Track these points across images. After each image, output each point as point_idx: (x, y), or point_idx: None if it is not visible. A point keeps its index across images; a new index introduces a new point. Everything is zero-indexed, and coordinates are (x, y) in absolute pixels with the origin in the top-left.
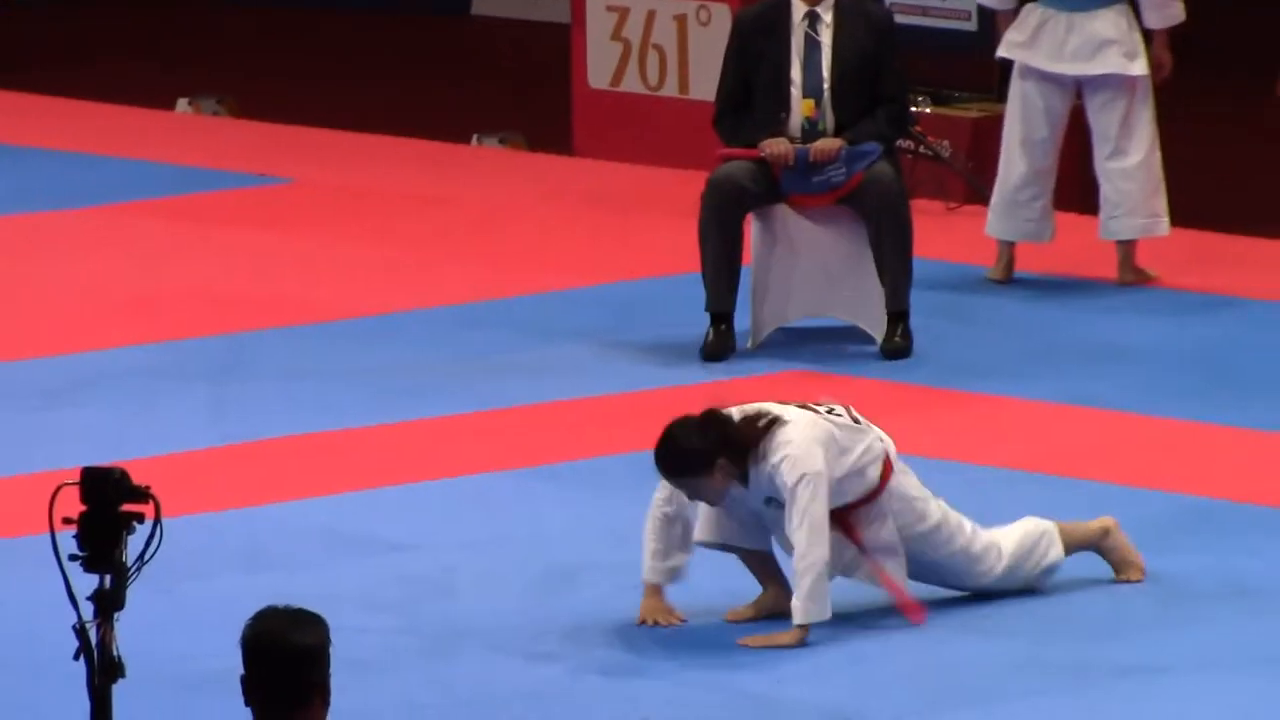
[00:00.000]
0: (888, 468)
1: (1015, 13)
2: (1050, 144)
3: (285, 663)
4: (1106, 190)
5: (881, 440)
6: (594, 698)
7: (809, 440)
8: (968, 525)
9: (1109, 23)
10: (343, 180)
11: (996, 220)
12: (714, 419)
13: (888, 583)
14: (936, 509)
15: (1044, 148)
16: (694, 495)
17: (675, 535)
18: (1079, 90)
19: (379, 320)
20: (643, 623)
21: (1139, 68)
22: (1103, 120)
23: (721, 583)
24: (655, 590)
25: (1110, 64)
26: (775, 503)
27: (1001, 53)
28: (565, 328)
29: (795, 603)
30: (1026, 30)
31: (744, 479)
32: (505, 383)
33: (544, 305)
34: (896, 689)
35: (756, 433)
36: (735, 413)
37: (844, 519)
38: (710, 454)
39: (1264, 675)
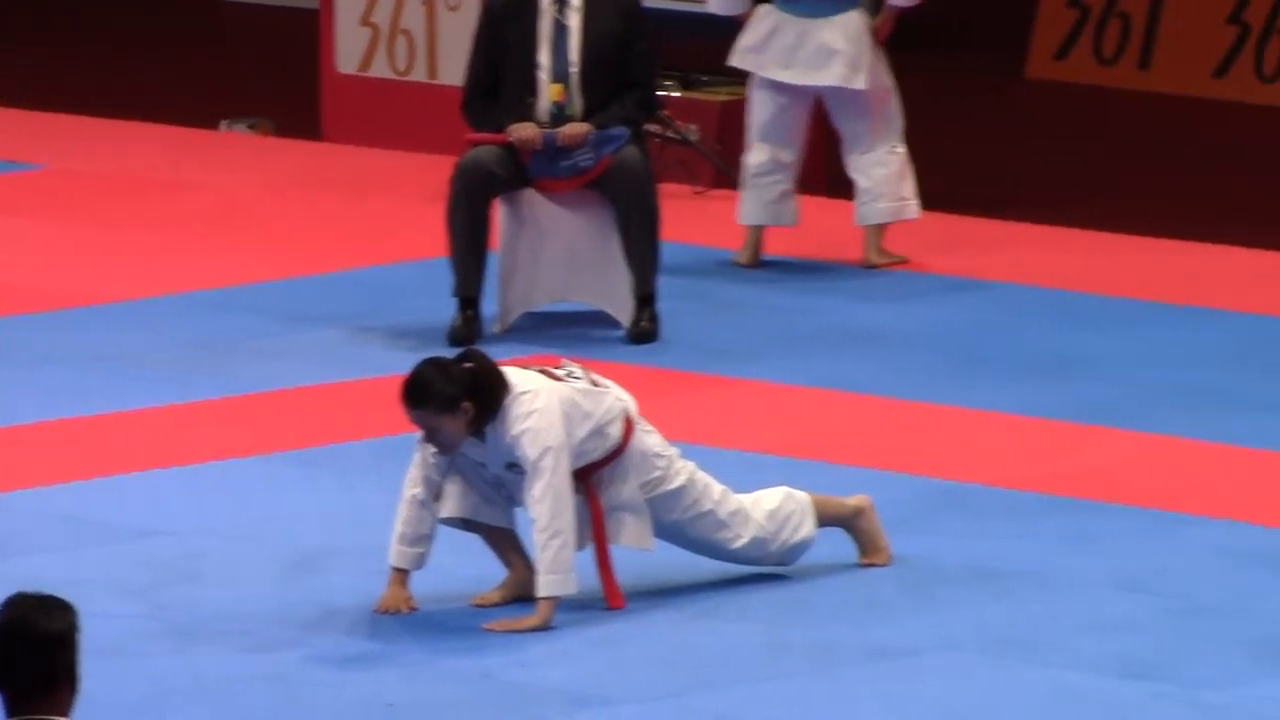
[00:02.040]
0: (629, 426)
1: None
2: (788, 140)
3: (34, 649)
4: (859, 180)
5: (621, 400)
6: (339, 683)
7: (551, 412)
8: (717, 489)
9: (838, 32)
10: (91, 166)
11: (741, 207)
12: (471, 361)
13: (601, 561)
14: (683, 469)
15: (783, 141)
16: (431, 435)
17: (425, 520)
18: (818, 92)
19: (127, 306)
20: (385, 610)
21: (861, 81)
22: (849, 125)
23: (467, 567)
24: (401, 576)
25: (834, 76)
26: (517, 468)
27: (733, 62)
28: (314, 313)
29: (539, 576)
30: (759, 35)
31: (481, 435)
32: (253, 368)
33: (293, 290)
34: (645, 672)
35: (501, 394)
36: (489, 366)
37: (586, 479)
38: (458, 394)
39: (1007, 657)
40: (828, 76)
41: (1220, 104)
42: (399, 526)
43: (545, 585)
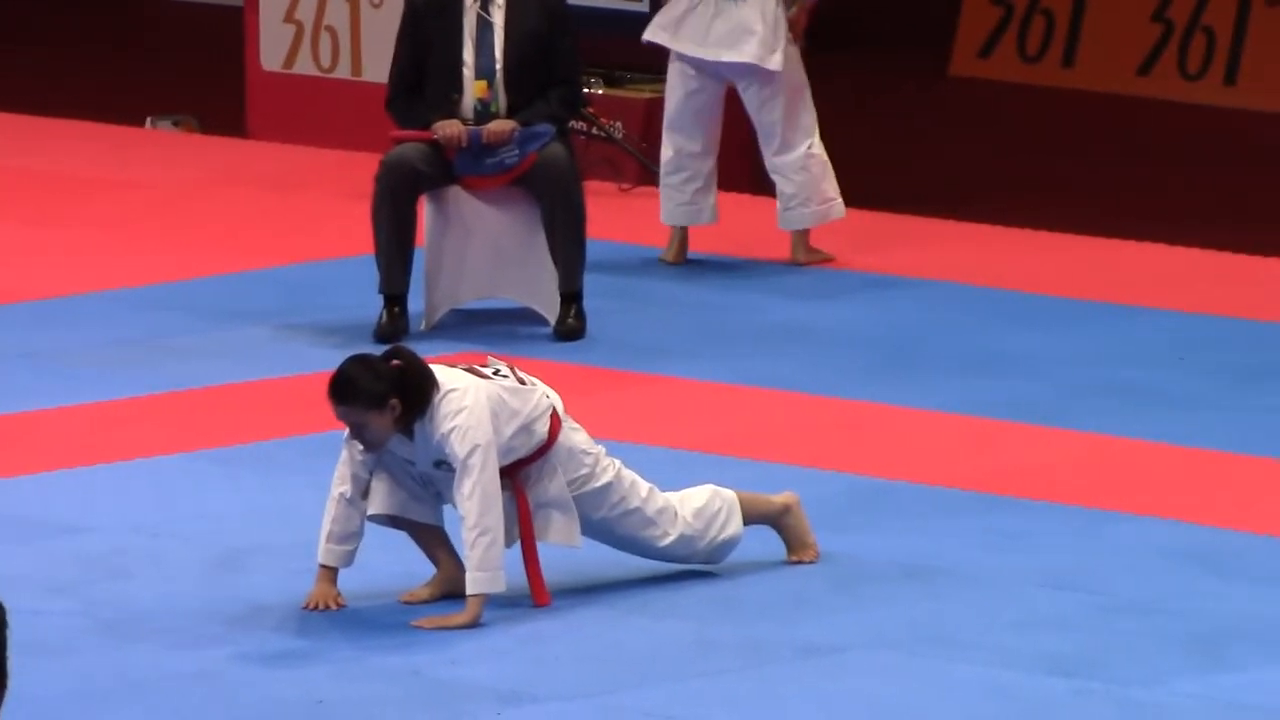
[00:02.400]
0: (555, 423)
1: None
2: (696, 129)
3: None
4: (780, 184)
5: (548, 396)
6: (267, 680)
7: (479, 409)
8: (644, 487)
9: (754, 12)
10: (17, 162)
11: (662, 205)
12: (398, 358)
13: (528, 558)
14: (610, 466)
15: (689, 132)
16: (358, 432)
17: (353, 517)
18: (731, 74)
19: (51, 303)
20: (313, 607)
21: (775, 62)
22: (763, 116)
23: (395, 564)
24: (329, 573)
25: (748, 54)
26: (446, 465)
27: (648, 37)
28: (239, 310)
29: (468, 574)
30: (674, 13)
31: (409, 433)
32: (178, 365)
33: (218, 288)
34: (573, 670)
35: (429, 391)
36: (417, 363)
37: (514, 475)
38: (385, 392)
39: (936, 654)
40: (742, 54)
41: (1144, 102)
42: (327, 524)
43: (474, 582)
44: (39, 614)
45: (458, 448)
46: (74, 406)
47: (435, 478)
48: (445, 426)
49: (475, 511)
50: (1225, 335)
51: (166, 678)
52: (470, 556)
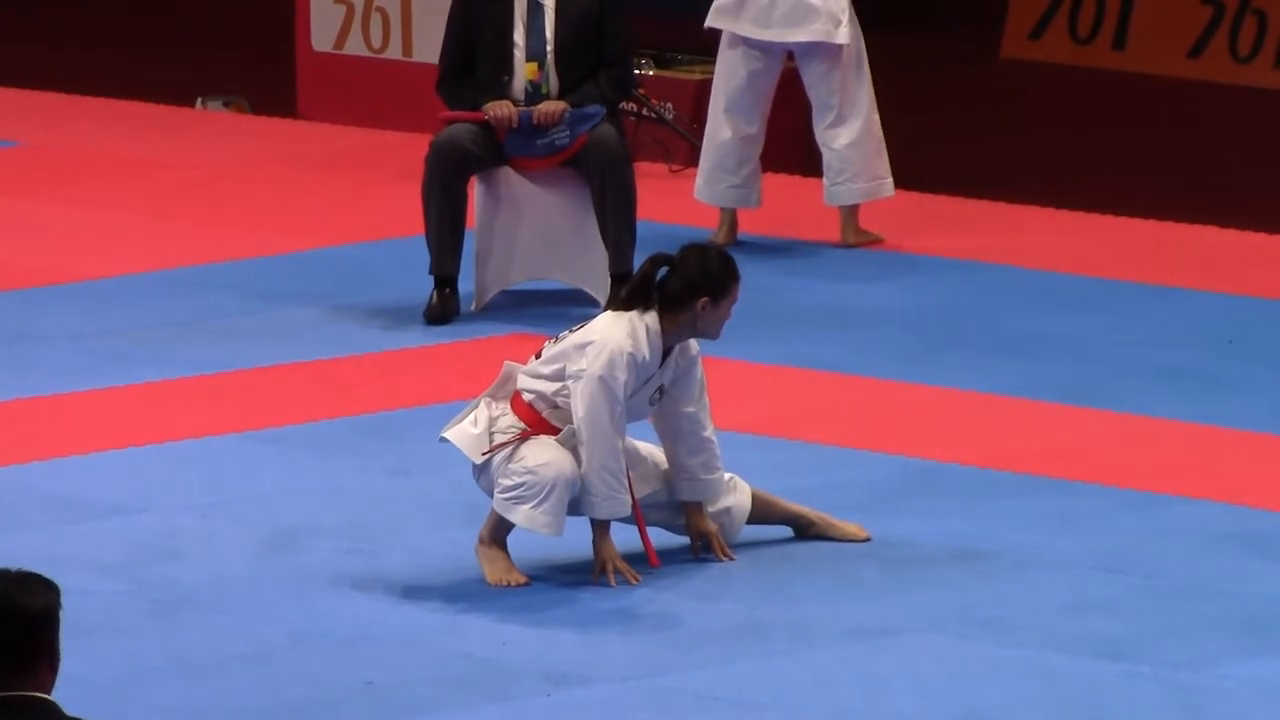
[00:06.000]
0: None
1: None
2: (755, 111)
3: (13, 627)
4: (829, 157)
5: None
6: (317, 660)
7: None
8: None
9: None
10: (68, 143)
11: (703, 185)
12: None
13: (639, 521)
14: None
15: (748, 115)
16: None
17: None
18: (790, 56)
19: (103, 284)
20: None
21: (843, 35)
22: (819, 90)
23: (445, 546)
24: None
25: (815, 31)
26: (667, 393)
27: (710, 22)
28: (289, 291)
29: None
30: None
31: (670, 349)
32: (228, 346)
33: (268, 268)
34: (622, 651)
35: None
36: None
37: None
38: (695, 287)
39: (985, 637)
40: (808, 32)
41: (1195, 84)
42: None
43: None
44: (90, 594)
45: (701, 374)
46: (124, 387)
47: (645, 404)
48: (694, 350)
49: (710, 423)
50: (1275, 318)
51: (217, 659)
52: (700, 460)
